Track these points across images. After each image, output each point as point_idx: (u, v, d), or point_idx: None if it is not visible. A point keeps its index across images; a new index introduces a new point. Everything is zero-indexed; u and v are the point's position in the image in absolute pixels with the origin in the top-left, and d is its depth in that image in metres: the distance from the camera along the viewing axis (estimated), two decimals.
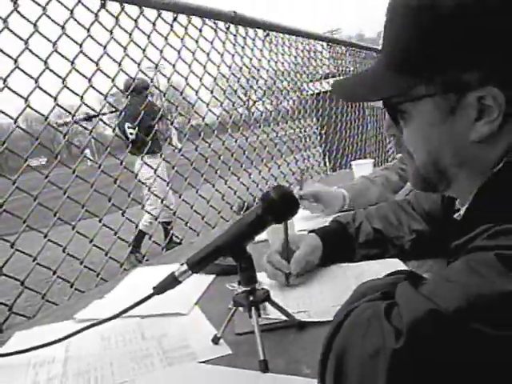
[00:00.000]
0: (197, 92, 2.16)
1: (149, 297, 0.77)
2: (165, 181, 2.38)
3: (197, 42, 2.11)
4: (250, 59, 2.56)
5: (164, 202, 2.29)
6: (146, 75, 2.00)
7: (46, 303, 1.60)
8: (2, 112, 1.40)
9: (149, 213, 2.32)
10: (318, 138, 3.77)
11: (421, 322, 0.46)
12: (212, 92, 2.23)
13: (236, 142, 2.49)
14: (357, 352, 0.49)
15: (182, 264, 0.78)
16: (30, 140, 1.68)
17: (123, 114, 2.56)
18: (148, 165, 2.13)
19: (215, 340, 0.81)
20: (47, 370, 0.81)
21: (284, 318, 0.83)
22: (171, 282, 0.77)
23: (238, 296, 0.78)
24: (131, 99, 2.55)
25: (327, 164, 4.07)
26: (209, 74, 2.19)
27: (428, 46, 0.58)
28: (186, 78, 2.08)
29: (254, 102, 2.98)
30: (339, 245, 1.10)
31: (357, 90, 0.68)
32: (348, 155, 3.96)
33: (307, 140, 3.42)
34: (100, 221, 1.73)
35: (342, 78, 0.92)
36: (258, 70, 2.69)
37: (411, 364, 0.45)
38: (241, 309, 0.80)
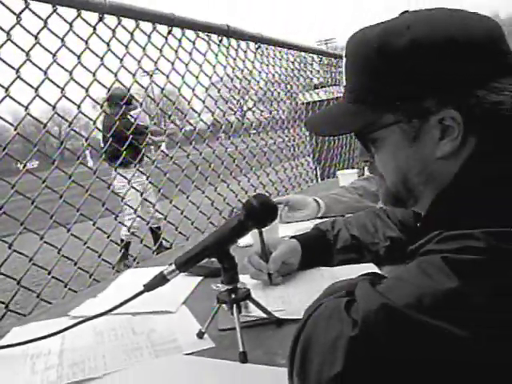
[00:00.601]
0: (189, 102, 2.25)
1: (139, 293, 0.85)
2: (138, 191, 2.38)
3: (190, 53, 2.20)
4: (242, 70, 2.65)
5: (149, 209, 2.33)
6: (141, 85, 2.07)
7: (37, 304, 1.65)
8: (4, 120, 1.47)
9: (123, 224, 2.32)
10: (308, 147, 3.86)
11: (374, 314, 0.53)
12: (204, 102, 2.31)
13: (226, 150, 2.57)
14: (320, 341, 0.57)
15: (170, 264, 0.85)
16: (22, 142, 1.74)
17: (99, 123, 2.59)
18: (122, 175, 2.16)
19: (200, 335, 0.88)
20: (44, 361, 0.87)
21: (264, 315, 0.91)
22: (160, 280, 0.84)
23: (221, 294, 0.86)
24: (109, 109, 2.60)
25: (317, 173, 4.15)
26: (201, 84, 2.28)
27: (387, 82, 0.65)
28: (179, 89, 2.16)
29: (245, 111, 3.06)
30: (318, 250, 1.18)
31: (330, 126, 0.75)
32: (336, 165, 4.06)
33: (296, 149, 3.51)
34: (94, 224, 1.79)
35: (313, 114, 0.99)
36: (249, 81, 2.78)
37: (365, 350, 0.53)
38: (225, 307, 0.87)
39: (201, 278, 1.24)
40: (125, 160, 2.19)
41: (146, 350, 0.86)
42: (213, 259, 0.87)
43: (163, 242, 3.12)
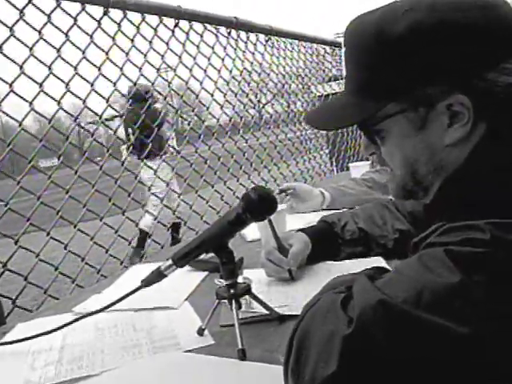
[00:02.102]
0: (197, 96, 2.23)
1: (136, 289, 0.83)
2: (165, 182, 2.44)
3: (198, 46, 2.17)
4: (251, 63, 2.62)
5: (170, 202, 2.37)
6: (147, 79, 2.06)
7: (45, 300, 1.67)
8: (7, 115, 1.47)
9: (151, 214, 2.37)
10: (320, 139, 3.80)
11: (370, 311, 0.50)
12: (212, 95, 2.29)
13: (236, 144, 2.55)
14: (315, 337, 0.54)
15: (167, 259, 0.83)
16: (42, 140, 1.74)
17: (125, 119, 2.67)
18: (148, 166, 2.20)
19: (200, 331, 0.86)
20: (44, 358, 0.87)
21: (266, 311, 0.88)
22: (157, 275, 0.83)
23: (221, 289, 0.84)
24: (134, 106, 2.63)
25: (333, 166, 4.09)
26: (209, 78, 2.26)
27: (389, 70, 0.62)
28: (187, 82, 2.14)
29: (261, 106, 3.03)
30: (326, 243, 1.15)
31: (331, 120, 0.71)
32: (350, 157, 3.99)
33: (308, 143, 3.46)
34: (101, 219, 1.79)
35: (314, 108, 0.95)
36: (260, 73, 2.75)
37: (360, 349, 0.50)
38: (227, 303, 0.85)
39: (206, 273, 1.23)
40: (151, 152, 2.25)
41: (145, 347, 0.85)
42: None
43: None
